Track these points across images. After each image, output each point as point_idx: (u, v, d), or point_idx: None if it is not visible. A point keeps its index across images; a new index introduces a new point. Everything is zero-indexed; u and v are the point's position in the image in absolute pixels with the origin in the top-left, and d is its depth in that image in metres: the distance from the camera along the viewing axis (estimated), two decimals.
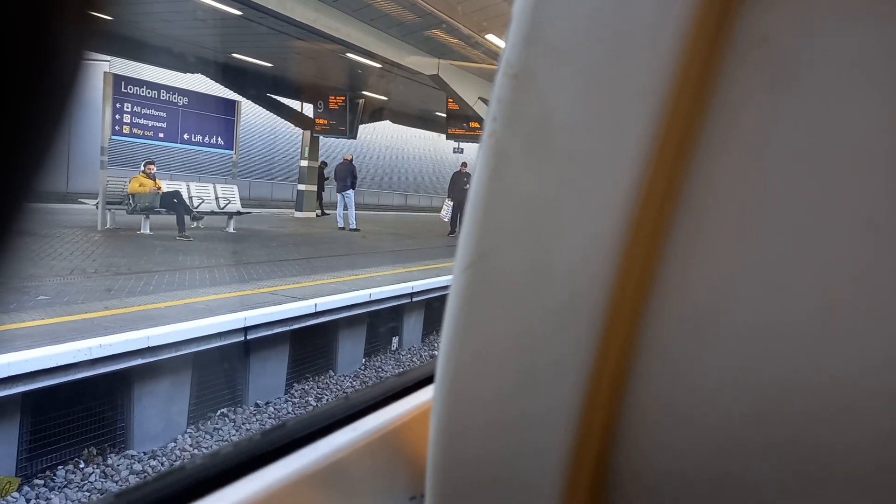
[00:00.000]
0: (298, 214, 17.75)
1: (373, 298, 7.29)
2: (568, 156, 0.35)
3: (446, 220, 15.02)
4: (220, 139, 13.48)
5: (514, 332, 0.39)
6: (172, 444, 5.26)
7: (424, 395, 0.74)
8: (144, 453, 5.04)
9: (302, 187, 18.00)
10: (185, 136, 12.75)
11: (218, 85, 15.76)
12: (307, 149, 18.07)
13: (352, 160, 15.38)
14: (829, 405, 0.32)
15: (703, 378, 0.35)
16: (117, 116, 11.32)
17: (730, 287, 0.33)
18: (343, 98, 17.31)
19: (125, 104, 11.46)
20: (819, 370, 0.32)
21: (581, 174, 0.35)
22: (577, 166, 0.35)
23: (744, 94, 0.32)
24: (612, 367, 0.37)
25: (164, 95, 12.21)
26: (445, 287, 0.42)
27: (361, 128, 18.29)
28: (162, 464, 4.97)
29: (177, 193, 11.08)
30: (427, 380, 0.76)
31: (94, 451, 4.82)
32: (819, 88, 0.31)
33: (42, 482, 4.42)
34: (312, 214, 17.72)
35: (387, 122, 21.79)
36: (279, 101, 17.80)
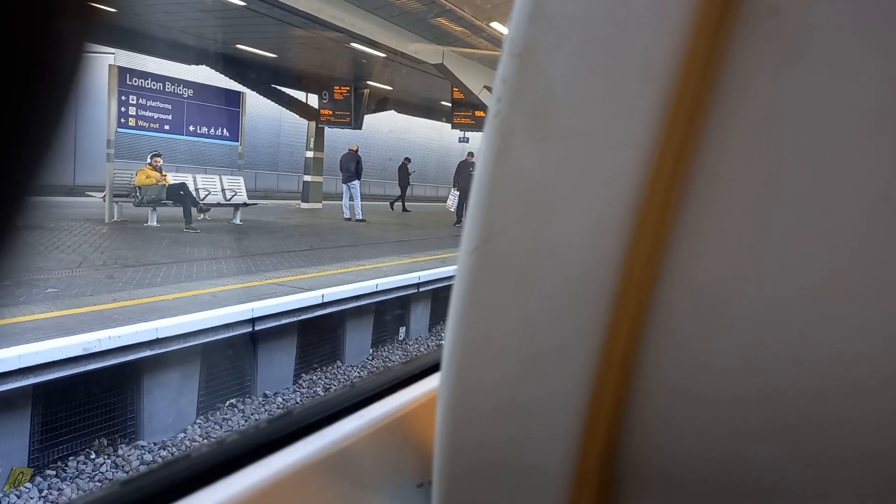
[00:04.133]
0: (304, 205, 17.76)
1: (379, 289, 7.30)
2: (574, 133, 0.35)
3: (452, 209, 15.01)
4: (225, 131, 13.48)
5: (521, 314, 0.38)
6: (182, 435, 5.29)
7: (431, 382, 0.74)
8: (154, 444, 5.07)
9: (308, 178, 17.99)
10: (191, 128, 12.77)
11: (223, 76, 15.74)
12: (312, 139, 18.06)
13: (357, 150, 15.38)
14: (839, 383, 0.32)
15: (712, 358, 0.34)
16: (123, 109, 11.34)
17: (740, 265, 0.33)
18: (348, 88, 17.26)
19: (130, 97, 11.48)
20: (830, 348, 0.32)
21: (587, 151, 0.35)
22: (583, 143, 0.35)
23: (754, 67, 0.31)
24: (621, 348, 0.36)
25: (169, 87, 12.22)
26: (451, 276, 0.41)
27: (366, 118, 18.26)
28: (172, 454, 5.00)
29: (183, 185, 11.10)
30: (433, 367, 0.75)
31: (105, 442, 4.86)
32: (831, 60, 0.30)
33: (54, 473, 4.46)
34: (319, 205, 17.76)
35: (392, 112, 21.74)
36: (284, 92, 17.77)
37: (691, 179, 0.33)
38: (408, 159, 18.97)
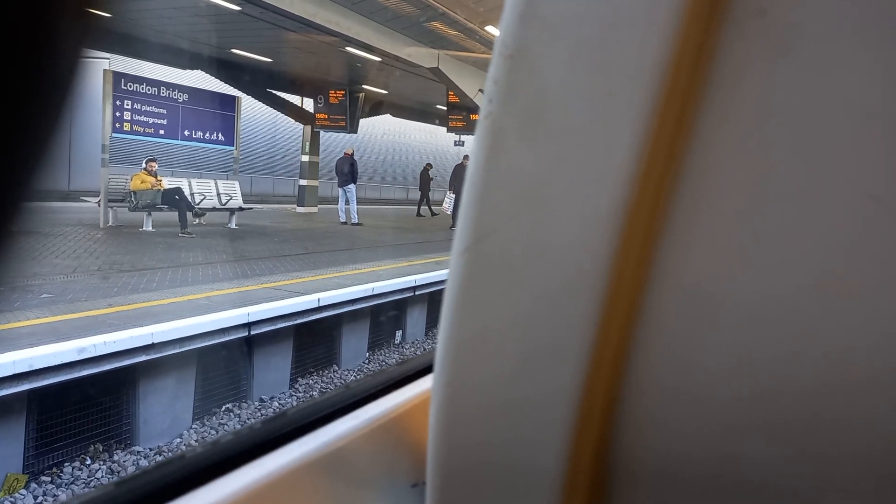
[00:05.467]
0: (300, 210, 17.73)
1: (375, 293, 7.29)
2: (565, 132, 0.35)
3: (448, 212, 15.03)
4: (220, 135, 13.47)
5: (513, 314, 0.39)
6: (178, 440, 5.27)
7: (425, 383, 0.74)
8: (150, 449, 5.05)
9: (303, 182, 17.96)
10: (186, 133, 12.75)
11: (218, 81, 15.72)
12: (308, 144, 18.03)
13: (353, 154, 15.38)
14: (830, 381, 0.32)
15: (703, 357, 0.34)
16: (118, 114, 11.32)
17: (731, 264, 0.33)
18: (343, 92, 17.24)
19: (125, 101, 11.46)
20: (821, 346, 0.32)
21: (578, 151, 0.35)
22: (574, 143, 0.35)
23: (742, 66, 0.32)
24: (612, 347, 0.36)
25: (164, 92, 12.21)
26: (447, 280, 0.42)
27: (362, 122, 18.24)
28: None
29: (178, 190, 11.07)
30: (428, 368, 0.76)
31: (101, 448, 4.84)
32: (818, 58, 0.30)
33: (49, 479, 4.43)
34: (314, 209, 17.72)
35: (387, 116, 21.73)
36: (279, 96, 17.75)
37: (682, 179, 0.34)
38: (429, 165, 18.91)
